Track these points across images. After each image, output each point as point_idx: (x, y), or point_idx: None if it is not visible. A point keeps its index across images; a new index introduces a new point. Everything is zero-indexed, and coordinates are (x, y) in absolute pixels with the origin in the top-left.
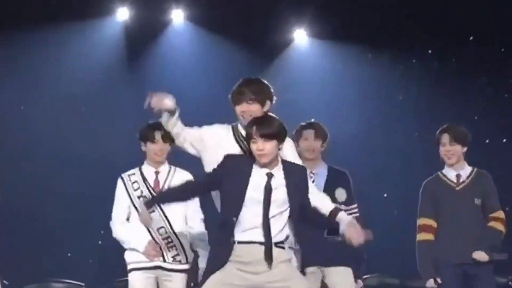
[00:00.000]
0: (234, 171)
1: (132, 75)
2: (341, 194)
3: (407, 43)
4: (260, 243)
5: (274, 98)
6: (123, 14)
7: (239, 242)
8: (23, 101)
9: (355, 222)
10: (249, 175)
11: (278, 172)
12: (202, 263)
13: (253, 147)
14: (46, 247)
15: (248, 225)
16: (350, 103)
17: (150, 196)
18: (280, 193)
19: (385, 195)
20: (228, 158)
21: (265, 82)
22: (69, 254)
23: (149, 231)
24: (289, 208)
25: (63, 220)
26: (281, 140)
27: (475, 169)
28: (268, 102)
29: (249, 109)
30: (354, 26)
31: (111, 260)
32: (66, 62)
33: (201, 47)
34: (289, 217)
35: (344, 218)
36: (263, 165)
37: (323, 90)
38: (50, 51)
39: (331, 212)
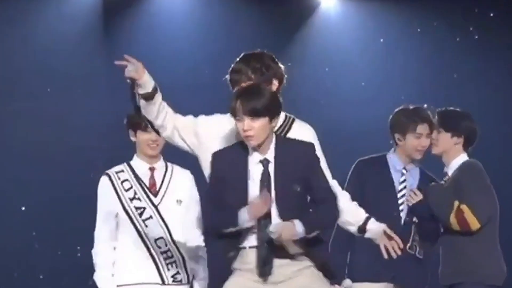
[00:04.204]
0: (228, 169)
1: (111, 50)
2: None
3: (466, 2)
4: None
5: (285, 76)
6: None
7: (250, 247)
8: None
9: (388, 230)
10: (247, 167)
11: (272, 155)
12: (197, 286)
13: (239, 126)
14: (9, 267)
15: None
16: (392, 81)
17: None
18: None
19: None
20: (216, 156)
21: (271, 55)
22: (40, 277)
23: (145, 244)
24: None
25: (30, 234)
26: (273, 115)
27: (463, 162)
28: (275, 82)
29: None
30: None
31: (90, 282)
32: (31, 35)
33: (204, 13)
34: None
35: (374, 228)
36: (256, 150)
37: (361, 62)
38: (11, 22)
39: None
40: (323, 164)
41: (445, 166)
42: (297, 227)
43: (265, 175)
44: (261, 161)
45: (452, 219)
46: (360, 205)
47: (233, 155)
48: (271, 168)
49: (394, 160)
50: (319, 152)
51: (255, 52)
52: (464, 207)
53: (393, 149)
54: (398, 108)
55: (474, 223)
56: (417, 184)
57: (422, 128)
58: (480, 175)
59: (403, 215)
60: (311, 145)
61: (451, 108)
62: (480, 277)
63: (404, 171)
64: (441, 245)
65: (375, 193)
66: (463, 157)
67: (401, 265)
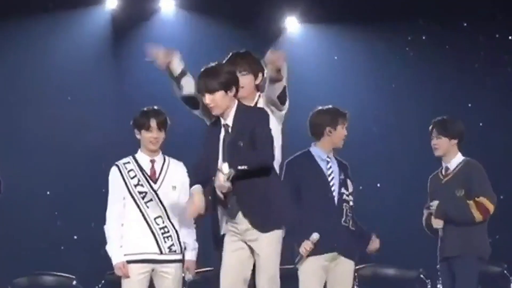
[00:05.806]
0: (211, 137)
1: (118, 65)
2: (349, 185)
3: (403, 27)
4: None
5: (266, 71)
6: (111, 3)
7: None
8: (9, 92)
9: None
10: (219, 131)
11: (231, 120)
12: (188, 256)
13: (204, 100)
14: (37, 241)
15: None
16: (345, 91)
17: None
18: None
19: (378, 185)
20: (207, 128)
21: (255, 56)
22: (62, 247)
23: (146, 221)
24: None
25: (53, 213)
26: (228, 88)
27: (464, 160)
28: (260, 75)
29: (242, 82)
30: (348, 9)
31: (102, 252)
32: (53, 52)
33: (192, 35)
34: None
35: None
36: (222, 117)
37: (320, 74)
38: (37, 41)
39: None
40: (276, 133)
41: (443, 162)
42: (224, 169)
43: (226, 136)
44: (223, 126)
45: (477, 215)
46: (298, 195)
47: (215, 126)
48: (230, 130)
49: (318, 152)
50: (273, 120)
51: (246, 51)
52: (481, 198)
53: (313, 143)
54: (317, 109)
55: (491, 208)
56: (337, 168)
57: (346, 121)
58: (484, 170)
59: (335, 195)
60: (263, 111)
61: (444, 117)
62: (476, 251)
63: (328, 159)
64: (445, 226)
65: (311, 182)
66: (459, 155)
67: (339, 236)
